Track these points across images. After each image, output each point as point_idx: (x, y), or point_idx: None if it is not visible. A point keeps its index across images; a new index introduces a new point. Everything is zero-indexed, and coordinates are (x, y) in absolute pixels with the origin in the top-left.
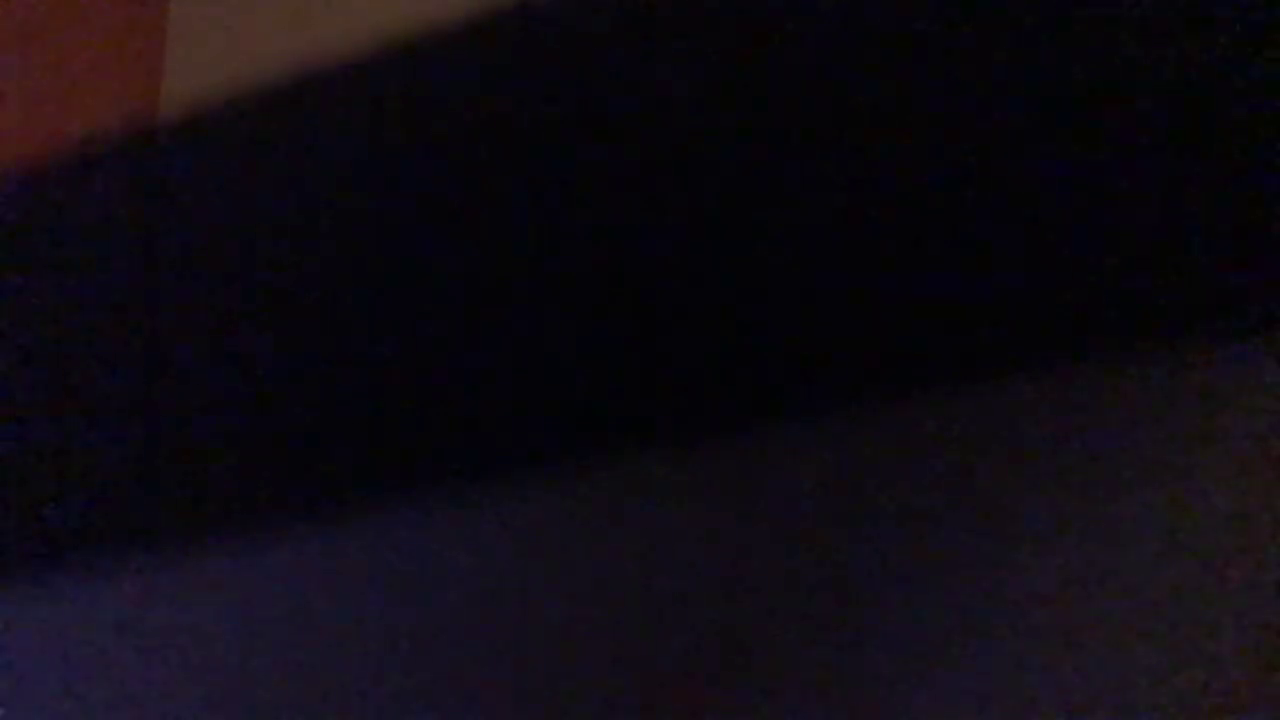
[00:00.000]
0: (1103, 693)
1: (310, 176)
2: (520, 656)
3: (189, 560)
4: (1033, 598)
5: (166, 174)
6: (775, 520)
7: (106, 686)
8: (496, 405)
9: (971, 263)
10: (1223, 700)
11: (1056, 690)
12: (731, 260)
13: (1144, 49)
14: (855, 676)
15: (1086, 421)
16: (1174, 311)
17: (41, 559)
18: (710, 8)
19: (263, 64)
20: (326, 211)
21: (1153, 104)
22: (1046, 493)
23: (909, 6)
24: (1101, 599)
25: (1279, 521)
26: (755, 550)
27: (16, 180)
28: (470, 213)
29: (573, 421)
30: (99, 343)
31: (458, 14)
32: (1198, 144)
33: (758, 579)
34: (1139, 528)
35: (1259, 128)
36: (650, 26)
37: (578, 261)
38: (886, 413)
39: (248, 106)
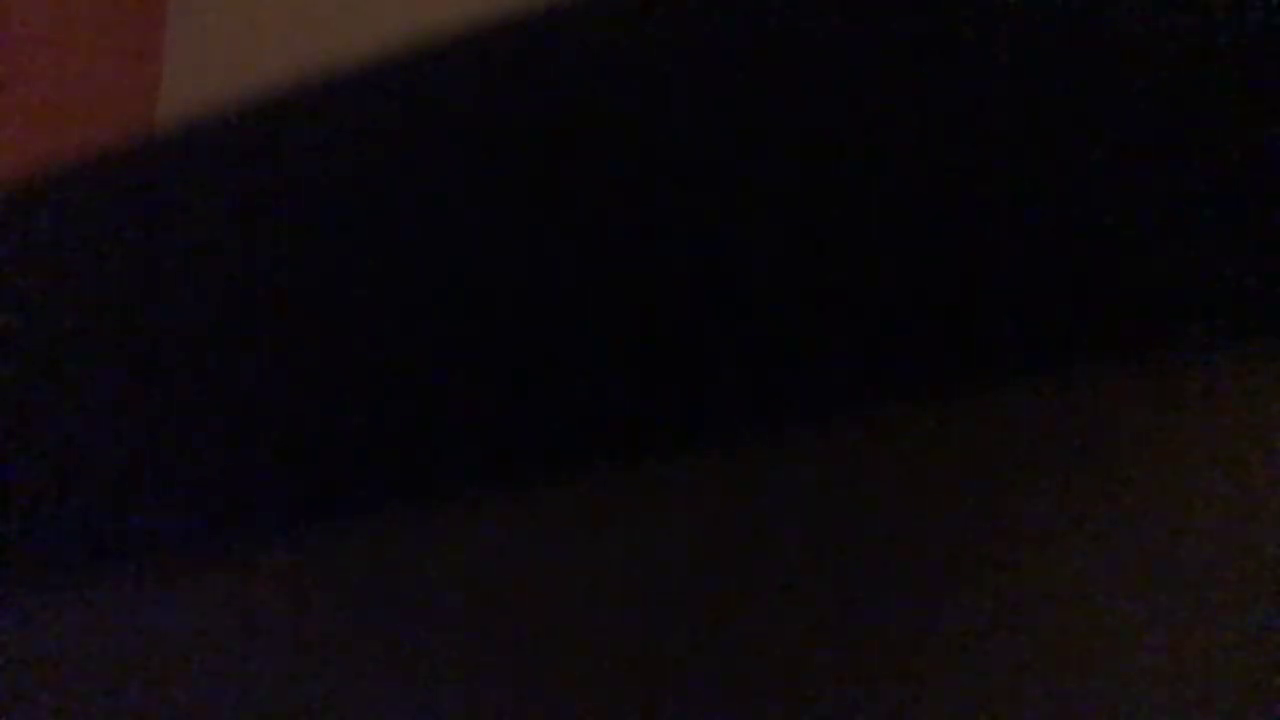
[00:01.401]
0: (1104, 694)
1: (310, 179)
2: (520, 658)
3: (188, 561)
4: (1033, 599)
5: (165, 177)
6: (776, 522)
7: (106, 688)
8: (495, 407)
9: (971, 264)
10: (1223, 701)
11: (1058, 692)
12: (731, 261)
13: (1144, 47)
14: (857, 679)
15: (1087, 422)
16: (1173, 311)
17: (39, 561)
18: (711, 9)
19: (262, 66)
20: (326, 212)
21: (1153, 102)
22: (1047, 493)
23: (909, 6)
24: (1103, 600)
25: (1279, 522)
26: (755, 553)
27: (15, 184)
28: (469, 216)
29: (571, 423)
30: (99, 343)
31: (461, 17)
32: (1197, 143)
33: (758, 582)
34: (1139, 529)
35: (1259, 127)
36: (654, 29)
37: (576, 263)
38: (887, 414)
39: (247, 110)
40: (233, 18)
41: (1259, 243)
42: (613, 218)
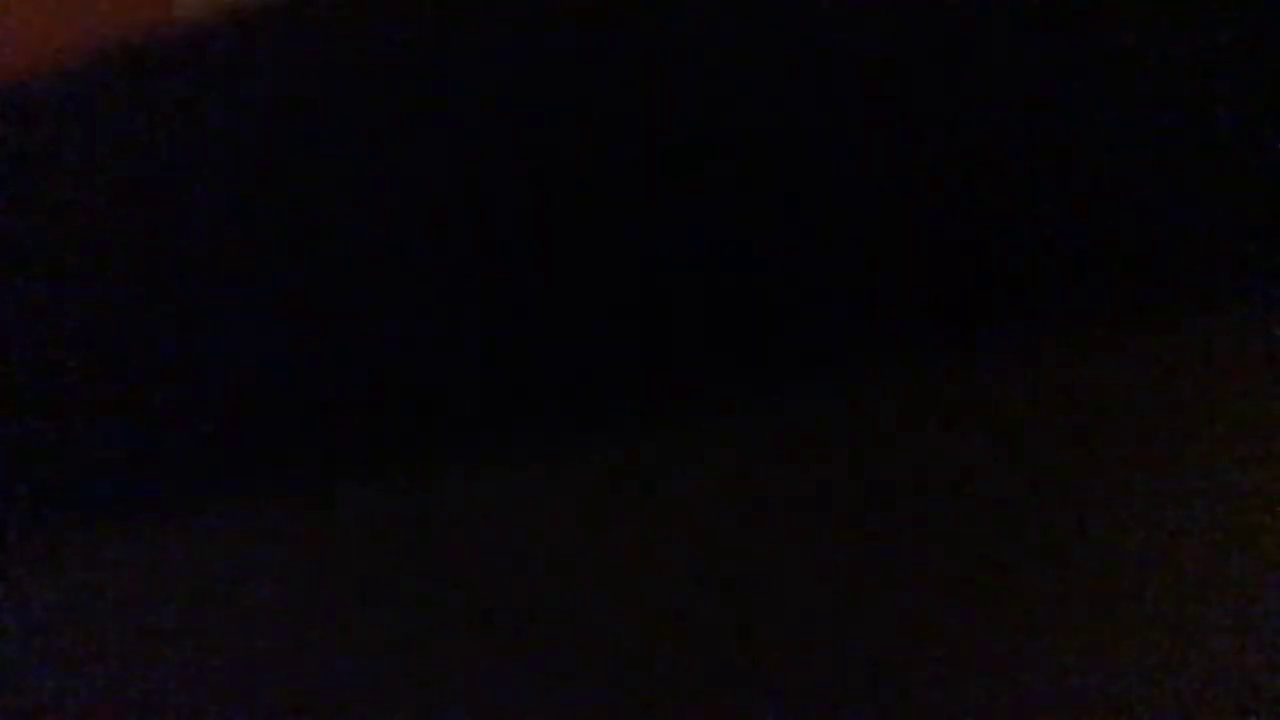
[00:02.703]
0: (1103, 692)
1: (321, 78)
2: (520, 643)
3: (186, 551)
4: (1033, 593)
5: (182, 72)
6: (776, 508)
7: (104, 673)
8: (495, 390)
9: (971, 257)
10: (1223, 700)
11: (1057, 688)
12: (733, 245)
13: (1144, 38)
14: (857, 672)
15: (1086, 418)
16: (1174, 306)
17: (36, 547)
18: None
19: None
20: (341, 115)
21: (1152, 94)
22: (1047, 488)
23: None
24: (1102, 598)
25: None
26: (755, 539)
27: (28, 79)
28: (470, 194)
29: (570, 404)
30: (108, 248)
31: None
32: (1199, 136)
33: (758, 570)
34: (1139, 525)
35: (1261, 121)
36: (654, 24)
37: (573, 244)
38: (888, 403)
39: (259, 23)
40: None
41: (1261, 237)
42: (615, 205)
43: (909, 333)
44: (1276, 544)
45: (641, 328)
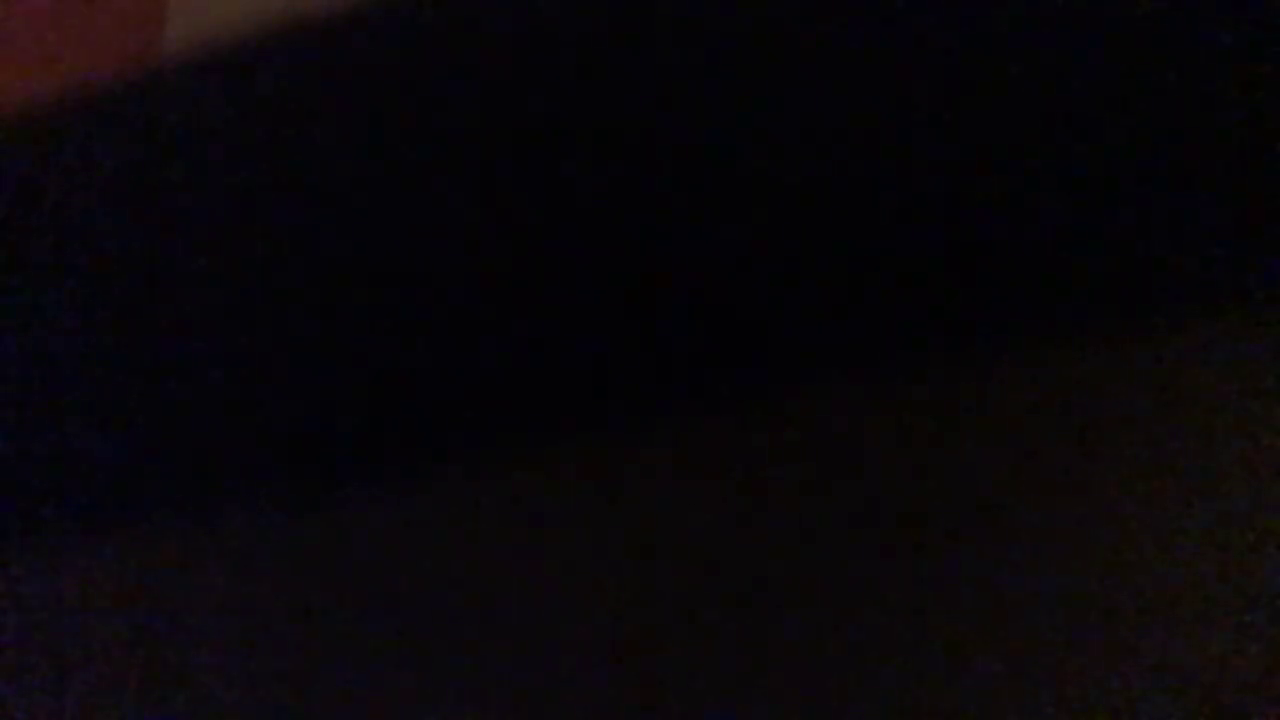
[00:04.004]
0: (1102, 692)
1: (311, 108)
2: (520, 645)
3: (184, 556)
4: (1032, 595)
5: (170, 104)
6: (774, 510)
7: (104, 675)
8: (496, 392)
9: (970, 260)
10: (1223, 700)
11: (1056, 689)
12: (733, 247)
13: (1146, 39)
14: (855, 673)
15: (1087, 422)
16: (1175, 311)
17: (37, 550)
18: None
19: (262, 12)
20: (327, 143)
21: (1152, 95)
22: (1046, 492)
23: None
24: (1101, 599)
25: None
26: (755, 542)
27: (21, 112)
28: (467, 193)
29: (570, 408)
30: (101, 278)
31: None
32: (1201, 142)
33: (757, 571)
34: (1138, 527)
35: (1261, 122)
36: (650, 21)
37: (574, 244)
38: (887, 408)
39: (252, 37)
40: None
41: (1260, 242)
42: (613, 204)
43: (907, 336)
44: (1276, 544)
45: (637, 335)
